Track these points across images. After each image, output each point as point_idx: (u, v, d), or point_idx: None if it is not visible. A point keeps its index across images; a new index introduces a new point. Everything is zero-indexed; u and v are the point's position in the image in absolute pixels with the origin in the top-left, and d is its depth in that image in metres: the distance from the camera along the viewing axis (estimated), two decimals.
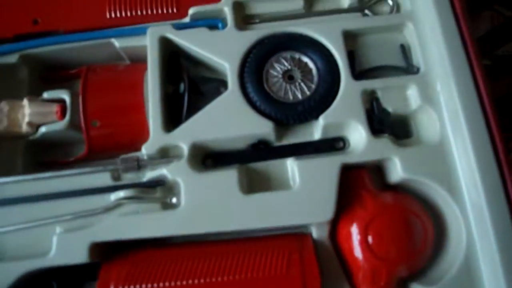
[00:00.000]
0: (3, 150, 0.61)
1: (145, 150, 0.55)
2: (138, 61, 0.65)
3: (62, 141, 0.63)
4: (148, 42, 0.59)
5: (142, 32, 0.61)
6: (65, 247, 0.53)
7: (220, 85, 0.60)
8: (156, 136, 0.55)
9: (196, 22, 0.61)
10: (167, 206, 0.54)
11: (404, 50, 0.59)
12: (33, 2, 0.65)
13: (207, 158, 0.57)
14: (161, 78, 0.58)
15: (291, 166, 0.55)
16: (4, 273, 0.53)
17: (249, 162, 0.56)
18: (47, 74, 0.67)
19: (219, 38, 0.59)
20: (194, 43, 0.59)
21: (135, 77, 0.60)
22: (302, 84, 0.57)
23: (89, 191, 0.56)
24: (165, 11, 0.64)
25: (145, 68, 0.61)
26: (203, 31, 0.59)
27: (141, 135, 0.59)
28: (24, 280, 0.53)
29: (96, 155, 0.60)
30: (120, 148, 0.61)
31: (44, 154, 0.64)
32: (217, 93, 0.59)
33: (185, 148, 0.55)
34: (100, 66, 0.62)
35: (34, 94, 0.64)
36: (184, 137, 0.55)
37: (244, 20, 0.61)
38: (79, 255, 0.52)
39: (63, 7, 0.65)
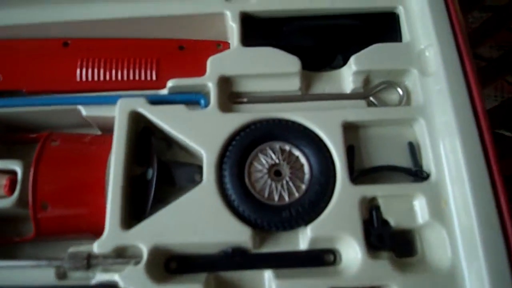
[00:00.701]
0: None
1: (98, 248, 0.46)
2: (109, 131, 0.57)
3: (9, 217, 0.54)
4: (116, 115, 0.51)
5: (112, 101, 0.53)
6: None
7: (195, 172, 0.51)
8: (112, 233, 0.47)
9: (174, 96, 0.53)
10: None
11: (413, 149, 0.51)
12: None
13: (171, 261, 0.48)
14: (126, 160, 0.49)
15: (268, 280, 0.46)
16: None
17: (220, 270, 0.47)
18: (5, 135, 0.59)
19: (198, 120, 0.50)
20: (169, 122, 0.51)
21: (98, 153, 0.52)
22: (290, 183, 0.48)
23: None
24: (143, 78, 0.57)
25: (110, 141, 0.53)
26: (180, 109, 0.51)
27: (100, 220, 0.50)
28: None
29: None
30: (75, 232, 0.52)
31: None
32: (191, 181, 0.51)
33: (144, 251, 0.46)
34: (63, 135, 0.54)
35: None
36: (144, 237, 0.46)
37: (230, 98, 0.53)
38: None
39: (28, 66, 0.57)
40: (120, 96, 0.53)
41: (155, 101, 0.52)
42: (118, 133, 0.50)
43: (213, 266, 0.47)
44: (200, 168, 0.52)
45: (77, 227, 0.51)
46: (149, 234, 0.46)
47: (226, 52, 0.54)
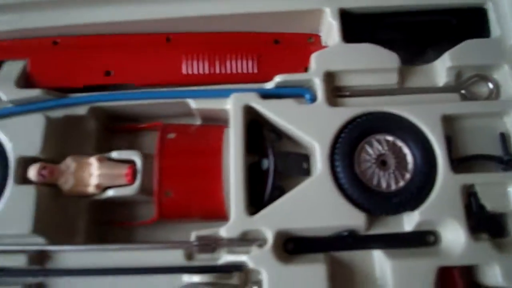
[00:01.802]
0: (66, 208, 0.57)
1: (226, 233, 0.51)
2: (209, 121, 0.61)
3: (127, 202, 0.60)
4: (231, 109, 0.56)
5: (222, 95, 0.57)
6: None
7: (303, 161, 0.56)
8: (238, 218, 0.52)
9: (281, 90, 0.57)
10: None
11: (504, 139, 0.55)
12: (109, 54, 0.61)
13: (288, 242, 0.53)
14: (244, 152, 0.54)
15: (379, 260, 0.52)
16: None
17: (333, 250, 0.52)
18: (114, 126, 0.63)
19: (309, 113, 0.55)
20: (281, 116, 0.55)
21: (214, 146, 0.56)
22: (396, 171, 0.53)
23: (161, 269, 0.52)
24: (244, 71, 0.61)
25: (223, 133, 0.57)
26: (291, 104, 0.55)
27: (216, 208, 0.55)
28: None
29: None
30: (191, 217, 0.57)
31: (107, 214, 0.60)
32: (300, 169, 0.55)
33: (269, 235, 0.51)
34: (175, 127, 0.59)
35: (100, 147, 0.61)
36: (269, 222, 0.51)
37: (333, 92, 0.57)
38: None
39: (138, 61, 0.61)
40: (229, 90, 0.57)
41: (265, 95, 0.56)
42: (235, 126, 0.55)
43: (329, 247, 0.52)
44: (306, 157, 0.57)
45: (194, 212, 0.57)
46: (273, 219, 0.51)
47: (329, 48, 0.58)
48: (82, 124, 0.60)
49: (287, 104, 0.55)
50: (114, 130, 0.63)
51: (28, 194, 0.54)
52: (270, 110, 0.55)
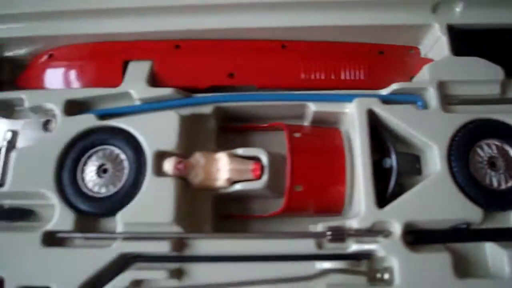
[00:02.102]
0: (194, 201, 0.61)
1: (357, 224, 0.56)
2: (318, 123, 0.66)
3: (243, 196, 0.64)
4: (355, 113, 0.61)
5: (345, 99, 0.62)
6: None
7: (415, 161, 0.62)
8: (369, 211, 0.57)
9: (397, 96, 0.63)
10: (376, 281, 0.56)
11: None
12: (232, 57, 0.65)
13: (409, 233, 0.58)
14: (370, 151, 0.59)
15: (491, 250, 0.57)
16: None
17: (451, 242, 0.58)
18: (230, 126, 0.67)
19: (426, 118, 0.60)
20: (402, 119, 0.60)
21: (336, 145, 0.61)
22: (505, 172, 0.59)
23: (295, 257, 0.57)
24: (353, 78, 0.66)
25: (341, 134, 0.62)
26: (410, 109, 0.61)
27: (336, 202, 0.61)
28: None
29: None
30: (310, 211, 0.62)
31: (226, 207, 0.64)
32: (413, 169, 0.61)
33: (397, 226, 0.56)
34: (299, 127, 0.64)
35: (219, 144, 0.65)
36: (397, 215, 0.56)
37: (444, 99, 0.63)
38: None
39: (259, 64, 0.66)
40: (351, 96, 0.62)
41: (385, 101, 0.62)
42: (360, 127, 0.60)
43: (448, 239, 0.58)
44: (417, 158, 0.62)
45: (315, 206, 0.61)
46: (401, 212, 0.57)
47: (440, 61, 0.64)
48: (205, 122, 0.65)
49: (407, 109, 0.61)
50: (228, 130, 0.67)
51: (168, 185, 0.58)
52: (391, 114, 0.61)
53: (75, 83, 0.67)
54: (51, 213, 0.61)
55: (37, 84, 0.69)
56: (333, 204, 0.61)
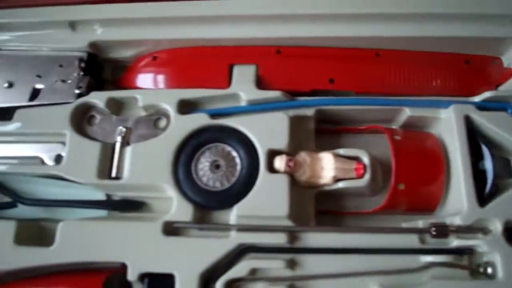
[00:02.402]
0: (299, 197, 0.65)
1: (460, 221, 0.61)
2: (409, 127, 0.71)
3: (346, 194, 0.68)
4: (453, 118, 0.65)
5: (442, 105, 0.67)
6: None
7: (507, 163, 0.66)
8: (471, 209, 0.61)
9: (489, 104, 0.67)
10: (479, 274, 0.60)
11: None
12: (332, 64, 0.70)
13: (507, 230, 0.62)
14: (469, 154, 0.63)
15: None
16: None
17: None
18: (326, 127, 0.72)
19: None
20: (496, 125, 0.65)
21: (434, 147, 0.66)
22: None
23: (402, 250, 0.61)
24: (442, 85, 0.71)
25: (435, 138, 0.67)
26: (503, 116, 0.65)
27: (433, 202, 0.65)
28: None
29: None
30: (406, 209, 0.66)
31: (327, 203, 0.68)
32: (506, 171, 0.65)
33: (498, 223, 0.60)
34: (394, 130, 0.68)
35: (317, 145, 0.69)
36: (498, 213, 0.61)
37: None
38: None
39: (356, 71, 0.70)
40: (447, 102, 0.67)
41: (482, 108, 0.66)
42: (459, 132, 0.64)
43: None
44: (508, 161, 0.67)
45: (413, 204, 0.66)
46: (502, 210, 0.61)
47: None
48: (306, 124, 0.69)
49: (500, 115, 0.65)
50: (324, 131, 0.71)
51: (281, 181, 0.63)
52: (486, 120, 0.65)
53: (180, 85, 0.71)
54: (163, 205, 0.66)
55: (139, 84, 0.73)
56: (428, 203, 0.65)
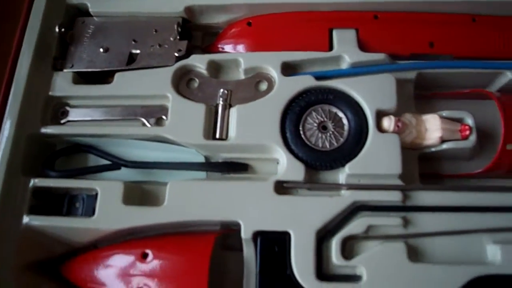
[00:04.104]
0: (404, 159, 0.65)
1: None
2: (506, 92, 0.71)
3: (446, 157, 0.68)
4: None
5: None
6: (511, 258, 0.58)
7: None
8: None
9: None
10: None
11: None
12: (431, 28, 0.70)
13: None
14: None
15: None
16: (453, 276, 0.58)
17: None
18: (424, 93, 0.72)
19: None
20: None
21: None
22: None
23: None
24: None
25: None
26: None
27: None
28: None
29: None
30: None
31: (427, 166, 0.68)
32: None
33: None
34: (499, 93, 0.68)
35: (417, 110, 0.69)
36: None
37: None
38: None
39: (455, 35, 0.70)
40: None
41: None
42: None
43: None
44: None
45: None
46: None
47: None
48: (406, 88, 0.69)
49: None
50: (424, 96, 0.71)
51: (393, 140, 0.63)
52: None
53: (278, 50, 0.71)
54: (267, 167, 0.66)
55: (232, 51, 0.73)
56: None
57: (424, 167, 0.67)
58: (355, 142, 0.64)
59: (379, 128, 0.64)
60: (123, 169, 0.68)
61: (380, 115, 0.65)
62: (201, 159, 0.68)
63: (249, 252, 0.61)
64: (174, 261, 0.61)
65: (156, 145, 0.69)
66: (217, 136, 0.66)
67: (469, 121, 0.66)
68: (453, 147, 0.65)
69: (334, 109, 0.66)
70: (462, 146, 0.65)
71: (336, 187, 0.63)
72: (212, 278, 0.59)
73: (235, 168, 0.67)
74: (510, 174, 0.67)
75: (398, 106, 0.66)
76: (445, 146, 0.65)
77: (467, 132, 0.65)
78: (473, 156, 0.69)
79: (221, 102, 0.68)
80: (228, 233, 0.64)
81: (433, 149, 0.66)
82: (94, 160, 0.71)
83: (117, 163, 0.67)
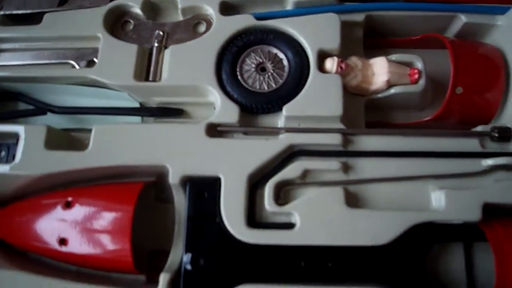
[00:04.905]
0: (349, 106, 0.61)
1: None
2: (462, 37, 0.67)
3: (395, 105, 0.64)
4: None
5: (496, 11, 0.63)
6: (455, 205, 0.54)
7: None
8: None
9: None
10: None
11: None
12: None
13: None
14: None
15: None
16: (393, 222, 0.53)
17: None
18: (375, 39, 0.68)
19: None
20: None
21: (493, 55, 0.62)
22: None
23: (463, 154, 0.57)
24: None
25: (494, 47, 0.63)
26: None
27: (490, 111, 0.61)
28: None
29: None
30: (464, 120, 0.62)
31: (374, 115, 0.64)
32: None
33: None
34: (453, 38, 0.64)
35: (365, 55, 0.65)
36: None
37: None
38: (471, 214, 0.53)
39: None
40: (505, 7, 0.63)
41: None
42: None
43: None
44: None
45: (470, 113, 0.61)
46: None
47: None
48: (354, 31, 0.65)
49: None
50: (373, 44, 0.67)
51: (334, 81, 0.59)
52: None
53: None
54: (203, 112, 0.62)
55: None
56: (485, 111, 0.62)
57: (373, 116, 0.64)
58: (294, 84, 0.59)
59: (321, 69, 0.60)
60: (54, 116, 0.63)
61: (322, 56, 0.60)
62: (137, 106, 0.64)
63: (179, 199, 0.57)
64: (98, 209, 0.56)
65: (91, 92, 0.64)
66: (150, 78, 0.62)
67: (419, 64, 0.62)
68: (402, 91, 0.61)
69: (275, 50, 0.62)
70: (411, 91, 0.61)
71: (274, 130, 0.59)
72: (143, 229, 0.56)
73: (169, 112, 0.62)
74: (461, 125, 0.62)
75: (343, 48, 0.62)
76: (393, 91, 0.61)
77: (416, 76, 0.61)
78: (424, 105, 0.65)
79: (155, 44, 0.63)
80: (164, 185, 0.59)
81: (380, 95, 0.62)
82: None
83: (42, 108, 0.63)
